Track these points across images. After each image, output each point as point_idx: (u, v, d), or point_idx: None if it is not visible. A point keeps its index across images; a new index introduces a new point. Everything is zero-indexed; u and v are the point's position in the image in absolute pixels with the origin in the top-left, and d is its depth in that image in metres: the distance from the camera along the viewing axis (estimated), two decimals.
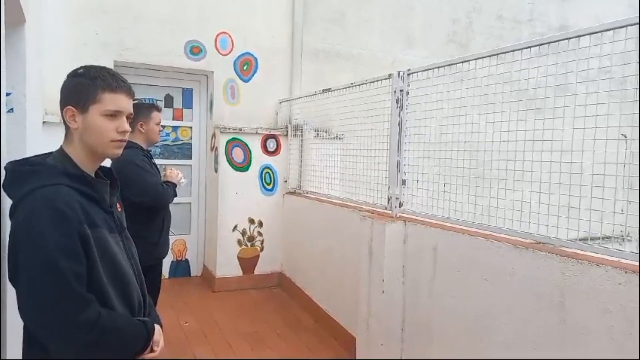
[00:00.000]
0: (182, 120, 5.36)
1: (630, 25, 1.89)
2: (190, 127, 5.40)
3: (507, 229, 2.44)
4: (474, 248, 2.52)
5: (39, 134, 3.73)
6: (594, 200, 2.07)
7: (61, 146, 1.41)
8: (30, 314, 1.24)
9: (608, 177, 2.01)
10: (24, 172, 1.30)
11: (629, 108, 1.94)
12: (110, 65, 4.59)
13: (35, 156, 1.39)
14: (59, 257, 1.21)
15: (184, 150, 5.39)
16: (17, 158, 2.35)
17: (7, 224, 1.31)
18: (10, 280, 1.27)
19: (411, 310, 2.98)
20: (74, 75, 1.41)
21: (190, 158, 5.42)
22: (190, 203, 5.44)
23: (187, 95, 5.36)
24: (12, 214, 1.27)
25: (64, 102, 1.41)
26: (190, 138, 5.41)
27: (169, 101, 5.25)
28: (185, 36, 4.92)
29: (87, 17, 4.51)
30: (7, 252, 1.28)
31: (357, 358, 3.23)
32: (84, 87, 1.38)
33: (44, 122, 4.12)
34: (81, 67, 1.42)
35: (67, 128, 1.41)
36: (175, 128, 5.32)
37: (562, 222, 2.20)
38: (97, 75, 1.39)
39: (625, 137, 1.99)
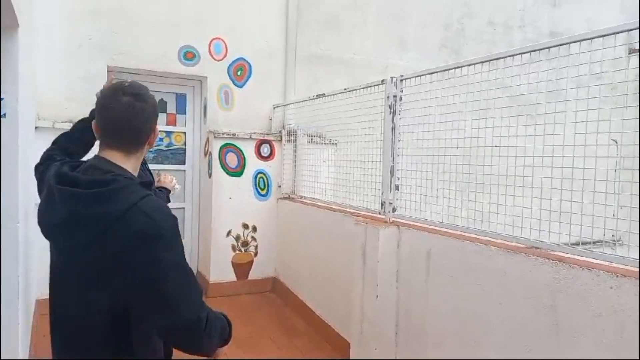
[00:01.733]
0: (175, 125, 5.35)
1: (620, 32, 1.92)
2: (184, 132, 5.39)
3: (500, 234, 2.46)
4: (466, 252, 2.53)
5: (32, 139, 3.71)
6: (585, 205, 2.09)
7: (110, 162, 1.36)
8: (186, 307, 1.29)
9: (599, 182, 2.03)
10: (102, 192, 1.26)
11: (620, 114, 1.96)
12: (103, 69, 4.58)
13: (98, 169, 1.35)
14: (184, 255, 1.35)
15: (177, 156, 5.37)
16: (11, 163, 2.32)
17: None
18: (145, 295, 1.27)
19: (405, 314, 2.99)
20: (152, 98, 1.42)
21: (184, 163, 5.41)
22: (183, 208, 5.42)
23: (181, 100, 5.35)
24: (111, 226, 1.23)
25: (154, 122, 1.43)
26: (184, 143, 5.40)
27: (162, 106, 5.23)
28: (179, 41, 4.92)
29: (81, 21, 4.50)
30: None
31: (351, 359, 3.24)
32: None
33: (36, 127, 4.11)
34: (138, 86, 1.41)
35: (144, 146, 1.43)
36: (168, 133, 5.30)
37: (553, 227, 2.22)
38: None
39: (616, 142, 2.01)
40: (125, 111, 1.34)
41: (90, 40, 4.54)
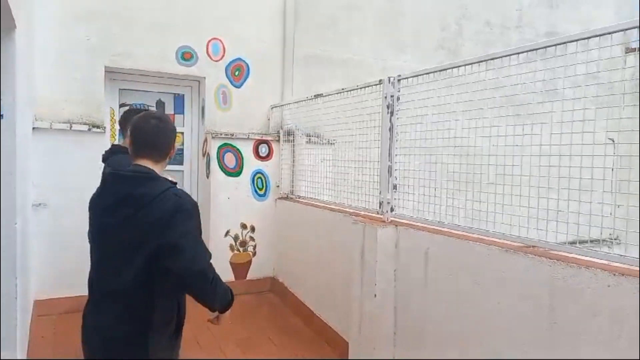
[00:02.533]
0: None
1: (616, 31, 1.93)
2: (182, 133, 5.38)
3: (497, 233, 2.46)
4: (464, 252, 2.53)
5: (29, 140, 3.71)
6: (582, 204, 2.10)
7: (145, 166, 1.79)
8: (199, 259, 1.71)
9: (596, 181, 2.04)
10: (145, 177, 1.75)
11: (616, 113, 1.97)
12: (101, 70, 4.58)
13: (137, 167, 1.80)
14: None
15: (175, 156, 5.33)
16: (9, 163, 2.35)
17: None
18: (170, 248, 1.67)
19: (403, 313, 2.99)
20: (172, 122, 1.94)
21: (182, 164, 5.40)
22: None
23: (179, 100, 5.35)
24: (149, 203, 1.68)
25: (173, 140, 1.90)
26: (182, 144, 5.39)
27: (160, 107, 5.23)
28: (177, 42, 4.92)
29: (78, 23, 4.49)
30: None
31: (350, 359, 3.24)
32: None
33: (34, 127, 4.10)
34: (162, 113, 1.84)
35: (166, 157, 1.87)
36: None
37: (551, 226, 2.23)
38: None
39: (613, 141, 2.02)
40: (152, 129, 1.82)
41: (88, 41, 4.53)
